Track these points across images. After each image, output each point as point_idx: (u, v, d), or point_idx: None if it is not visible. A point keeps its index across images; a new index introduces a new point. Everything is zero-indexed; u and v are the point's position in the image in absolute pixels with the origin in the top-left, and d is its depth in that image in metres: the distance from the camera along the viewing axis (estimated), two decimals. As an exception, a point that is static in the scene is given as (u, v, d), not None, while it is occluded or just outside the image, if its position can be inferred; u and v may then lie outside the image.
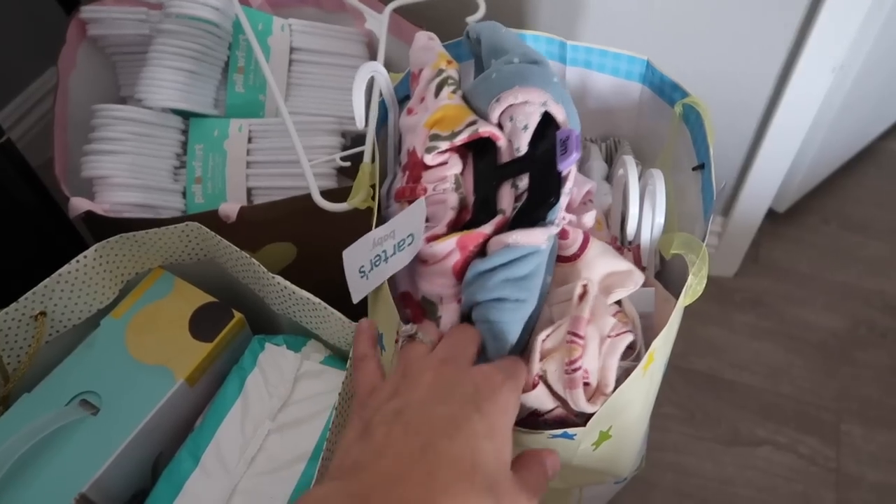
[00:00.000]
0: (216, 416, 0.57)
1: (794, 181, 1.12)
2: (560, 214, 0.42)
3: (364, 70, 0.50)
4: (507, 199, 0.44)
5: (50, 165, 0.71)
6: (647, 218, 0.48)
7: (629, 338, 0.41)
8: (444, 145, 0.46)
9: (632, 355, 0.43)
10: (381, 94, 0.57)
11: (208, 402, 0.58)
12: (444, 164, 0.46)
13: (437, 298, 0.43)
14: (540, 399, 0.41)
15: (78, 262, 0.58)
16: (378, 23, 0.78)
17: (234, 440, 0.55)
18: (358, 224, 0.53)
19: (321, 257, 0.71)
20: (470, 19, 0.75)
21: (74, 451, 0.53)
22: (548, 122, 0.44)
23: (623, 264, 0.44)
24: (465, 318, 0.43)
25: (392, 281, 0.46)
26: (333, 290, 0.62)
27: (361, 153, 0.59)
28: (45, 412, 0.54)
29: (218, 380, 0.60)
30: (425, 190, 0.46)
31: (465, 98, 0.49)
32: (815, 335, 1.05)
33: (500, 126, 0.46)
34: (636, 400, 0.43)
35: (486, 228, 0.42)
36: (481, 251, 0.42)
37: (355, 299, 0.47)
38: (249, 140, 0.77)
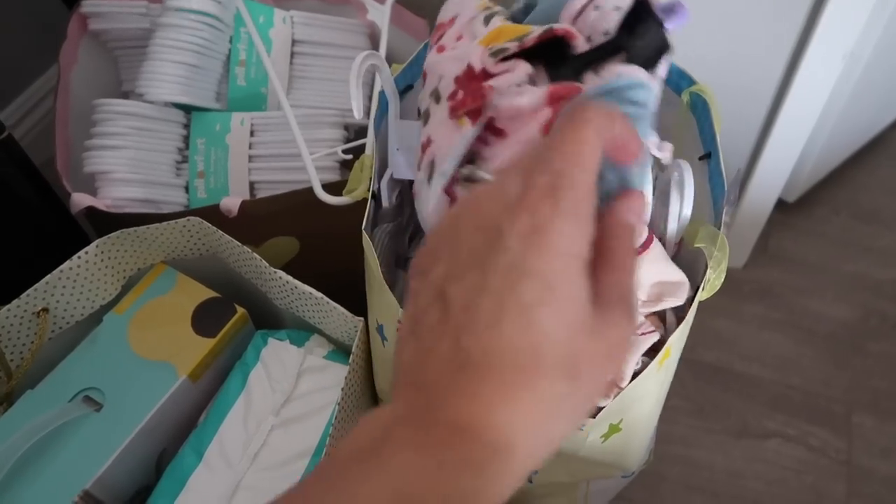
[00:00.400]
0: (219, 411, 0.56)
1: (803, 171, 1.11)
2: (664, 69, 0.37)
3: (361, 60, 0.49)
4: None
5: (53, 162, 0.71)
6: (674, 210, 0.46)
7: (654, 338, 0.40)
8: (513, 46, 0.40)
9: (657, 356, 0.42)
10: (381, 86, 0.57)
11: (211, 398, 0.58)
12: (508, 72, 0.40)
13: None
14: None
15: (79, 258, 0.58)
16: (380, 14, 0.77)
17: (238, 436, 0.55)
18: (362, 217, 0.53)
19: (324, 251, 0.71)
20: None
21: (78, 448, 0.53)
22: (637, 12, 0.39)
23: (676, 274, 0.43)
24: None
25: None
26: (336, 285, 0.61)
27: (363, 146, 0.59)
28: (48, 409, 0.53)
29: (221, 375, 0.59)
30: (492, 89, 0.40)
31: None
32: (826, 326, 1.03)
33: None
34: (650, 394, 0.42)
35: (578, 84, 0.37)
36: None
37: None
38: (251, 133, 0.76)
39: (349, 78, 0.50)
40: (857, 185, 1.21)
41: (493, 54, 0.40)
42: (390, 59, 0.74)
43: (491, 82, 0.40)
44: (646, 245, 0.43)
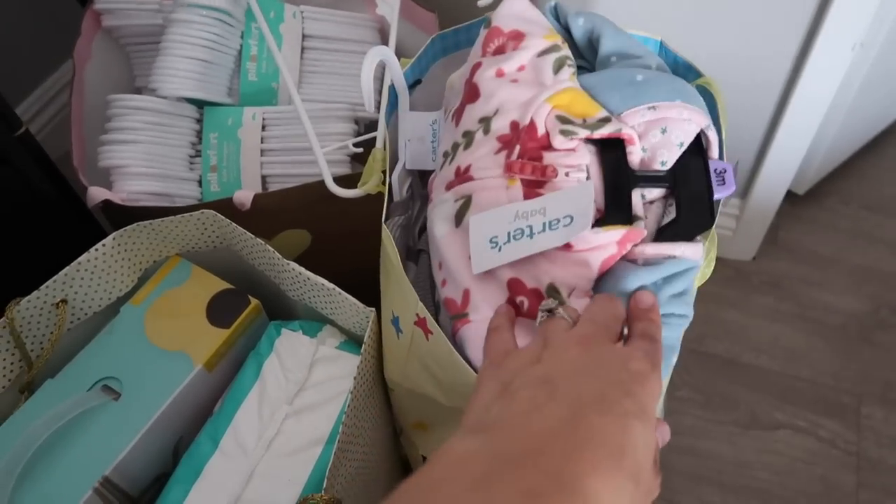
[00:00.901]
0: (234, 400, 0.57)
1: (813, 162, 1.11)
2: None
3: (372, 55, 0.50)
4: (639, 206, 0.43)
5: (69, 156, 0.72)
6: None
7: None
8: (582, 133, 0.44)
9: None
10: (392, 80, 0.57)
11: (226, 387, 0.59)
12: (572, 150, 0.44)
13: (569, 289, 0.41)
14: None
15: (97, 250, 0.59)
16: (389, 8, 0.78)
17: (252, 424, 0.56)
18: (372, 210, 0.53)
19: (336, 243, 0.72)
20: (481, 3, 0.75)
21: (97, 435, 0.54)
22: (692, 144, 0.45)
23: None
24: None
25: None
26: (348, 276, 0.62)
27: (374, 139, 0.60)
28: (68, 397, 0.54)
29: (235, 365, 0.60)
30: (555, 172, 0.44)
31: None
32: (835, 318, 1.04)
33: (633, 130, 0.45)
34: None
35: (643, 229, 0.41)
36: (625, 255, 0.42)
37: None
38: (263, 128, 0.77)
39: (360, 73, 0.51)
40: (867, 176, 1.21)
41: (563, 133, 0.44)
42: (399, 53, 0.75)
43: (552, 159, 0.44)
44: None
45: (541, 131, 0.45)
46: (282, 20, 0.81)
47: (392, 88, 0.58)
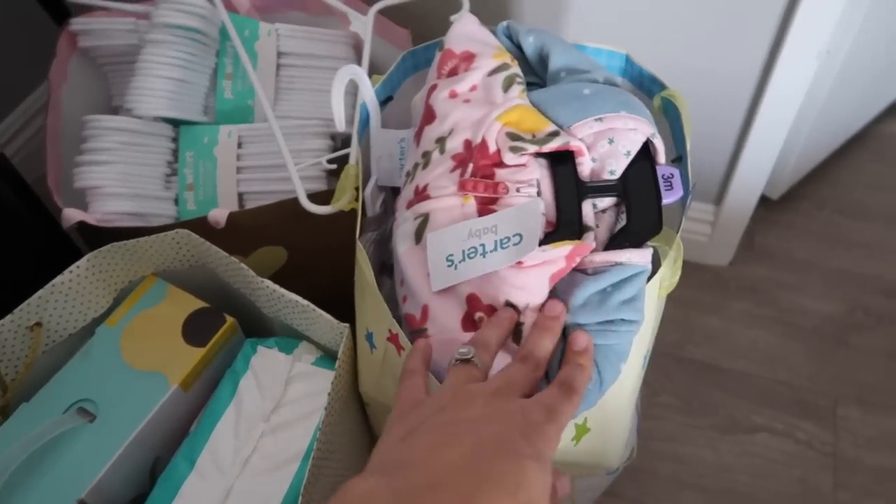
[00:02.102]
0: (210, 419, 0.57)
1: (786, 168, 1.12)
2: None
3: (342, 74, 0.51)
4: (590, 216, 0.45)
5: (45, 178, 0.72)
6: None
7: None
8: (531, 149, 0.45)
9: None
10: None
11: (203, 406, 0.59)
12: (523, 166, 0.46)
13: (523, 306, 0.43)
14: None
15: (71, 272, 0.59)
16: (363, 25, 0.78)
17: (229, 442, 0.56)
18: (348, 224, 0.54)
19: (312, 259, 0.73)
20: (454, 18, 0.76)
21: (73, 458, 0.54)
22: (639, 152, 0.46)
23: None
24: None
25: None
26: (325, 291, 0.63)
27: (348, 156, 0.60)
28: (43, 421, 0.55)
29: (212, 384, 0.61)
30: (507, 189, 0.45)
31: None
32: (812, 321, 1.05)
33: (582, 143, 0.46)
34: (610, 393, 0.44)
35: (591, 242, 0.42)
36: (576, 266, 0.43)
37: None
38: (239, 145, 0.77)
39: (331, 91, 0.51)
40: (840, 180, 1.23)
41: (513, 150, 0.45)
42: (374, 69, 0.76)
43: (500, 176, 0.45)
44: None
45: (492, 149, 0.46)
46: (257, 38, 0.82)
47: (364, 105, 0.58)
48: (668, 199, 0.44)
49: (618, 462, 0.54)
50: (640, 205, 0.44)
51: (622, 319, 0.41)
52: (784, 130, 0.90)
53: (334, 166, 0.73)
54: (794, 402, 0.97)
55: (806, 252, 1.13)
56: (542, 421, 0.34)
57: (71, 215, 0.68)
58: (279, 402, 0.58)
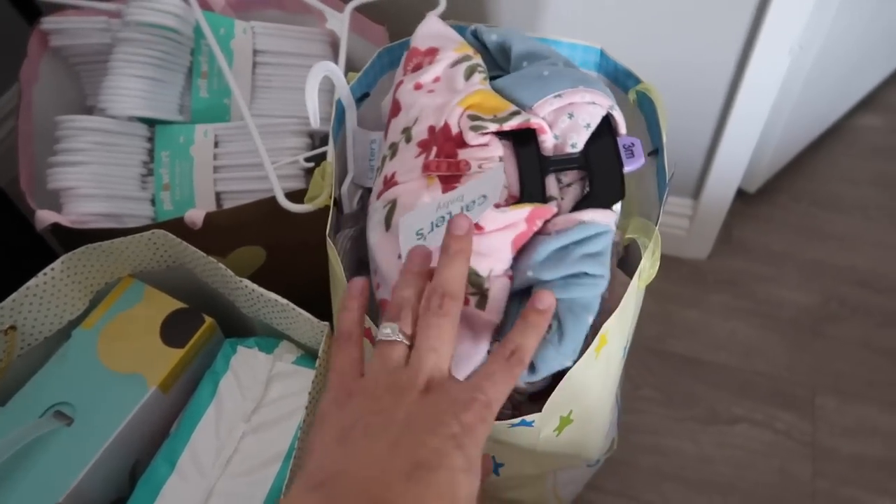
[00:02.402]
0: (190, 421, 0.57)
1: (762, 161, 1.14)
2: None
3: (316, 71, 0.50)
4: (554, 188, 0.45)
5: (18, 180, 0.71)
6: None
7: None
8: (492, 127, 0.46)
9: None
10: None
11: (182, 408, 0.59)
12: (485, 145, 0.46)
13: (487, 271, 0.43)
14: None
15: (45, 274, 0.58)
16: (339, 22, 0.78)
17: (210, 443, 0.56)
18: (326, 224, 0.54)
19: (291, 257, 0.72)
20: (431, 14, 0.76)
21: (50, 462, 0.53)
22: (600, 125, 0.47)
23: None
24: (518, 294, 0.43)
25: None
26: (305, 288, 0.63)
27: (325, 154, 0.60)
28: (19, 425, 0.54)
29: (191, 385, 0.60)
30: (469, 165, 0.46)
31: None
32: (788, 312, 1.06)
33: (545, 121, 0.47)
34: (593, 383, 0.44)
35: (553, 207, 0.43)
36: (539, 231, 0.43)
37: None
38: (216, 145, 0.77)
39: (317, 88, 0.51)
40: (815, 173, 1.25)
41: (474, 128, 0.46)
42: (351, 67, 0.75)
43: (466, 155, 0.45)
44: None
45: (454, 131, 0.47)
46: (232, 36, 0.81)
47: (339, 102, 0.58)
48: (629, 166, 0.45)
49: (598, 454, 0.55)
50: (602, 173, 0.45)
51: (585, 273, 0.41)
52: (760, 123, 0.91)
53: (312, 164, 0.72)
54: (773, 393, 0.98)
55: (782, 244, 1.15)
56: (477, 422, 0.34)
57: (44, 217, 0.67)
58: (260, 402, 0.58)
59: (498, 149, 0.46)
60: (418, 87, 0.51)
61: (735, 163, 0.97)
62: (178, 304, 0.61)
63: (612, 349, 0.44)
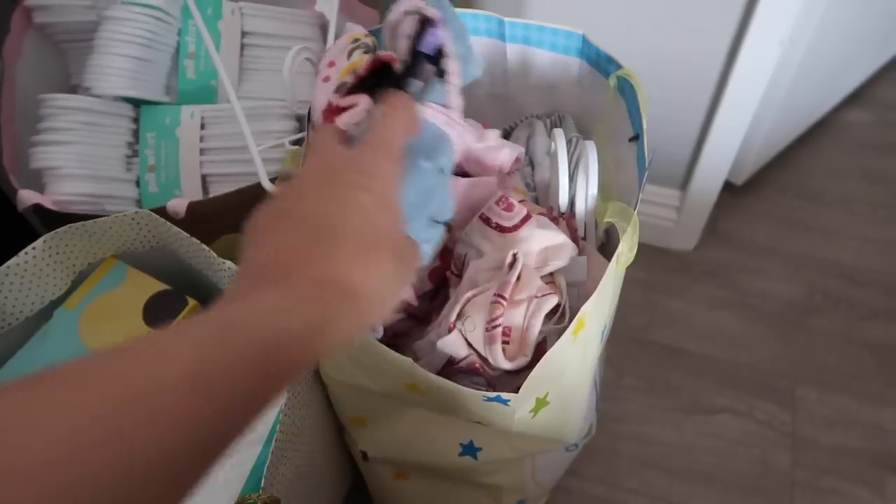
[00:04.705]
0: (172, 401, 0.57)
1: (750, 154, 1.14)
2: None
3: (294, 52, 0.50)
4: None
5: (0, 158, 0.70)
6: (581, 189, 0.49)
7: (554, 299, 0.42)
8: (351, 78, 0.47)
9: (555, 317, 0.44)
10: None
11: (164, 389, 0.59)
12: (354, 105, 0.47)
13: None
14: (454, 345, 0.42)
15: (27, 253, 0.57)
16: (329, 4, 0.77)
17: (190, 425, 0.56)
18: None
19: (276, 242, 0.72)
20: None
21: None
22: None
23: (558, 237, 0.45)
24: None
25: None
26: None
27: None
28: (-3, 404, 0.53)
29: (173, 366, 0.60)
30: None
31: None
32: (772, 304, 1.07)
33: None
34: (570, 365, 0.44)
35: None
36: None
37: None
38: (202, 126, 0.76)
39: (305, 71, 0.51)
40: (802, 167, 1.25)
41: (337, 90, 0.47)
42: (339, 51, 0.75)
43: (342, 121, 0.46)
44: (523, 222, 0.47)
45: (334, 104, 0.48)
46: (220, 17, 0.80)
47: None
48: (420, 45, 0.47)
49: (576, 437, 0.55)
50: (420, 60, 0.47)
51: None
52: (748, 115, 0.91)
53: (297, 147, 0.72)
54: (755, 384, 0.99)
55: (767, 237, 1.16)
56: (380, 161, 0.35)
57: (26, 197, 0.66)
58: (241, 383, 0.58)
59: (367, 102, 0.46)
60: (326, 80, 0.52)
61: (723, 155, 0.97)
62: (161, 286, 0.61)
63: (590, 332, 0.44)
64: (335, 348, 0.29)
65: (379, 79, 0.48)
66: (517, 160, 0.52)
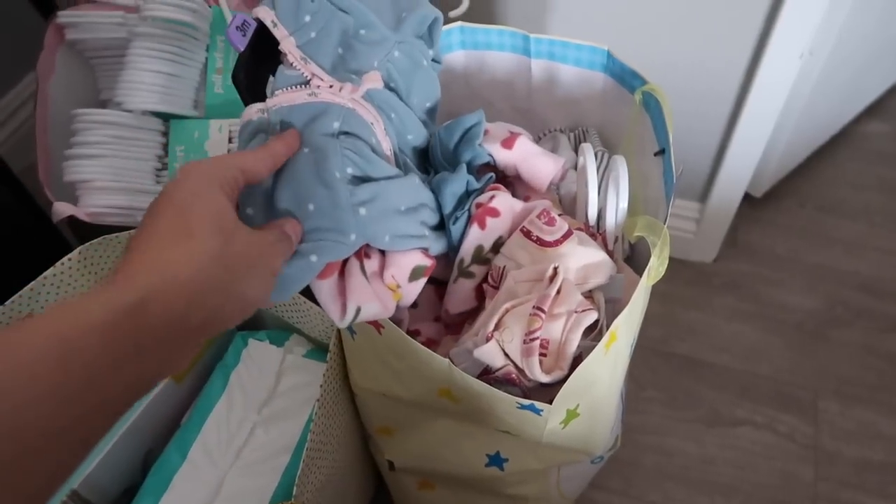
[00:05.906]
0: (202, 411, 0.58)
1: (769, 166, 1.14)
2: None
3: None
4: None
5: (33, 170, 0.72)
6: (612, 203, 0.50)
7: (593, 315, 0.43)
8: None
9: (593, 334, 0.44)
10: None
11: (194, 399, 0.60)
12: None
13: None
14: (491, 355, 0.42)
15: (62, 264, 0.59)
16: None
17: (221, 434, 0.57)
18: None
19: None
20: (453, 13, 0.76)
21: (64, 449, 0.54)
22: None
23: (598, 255, 0.46)
24: None
25: None
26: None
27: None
28: (34, 412, 0.55)
29: (204, 376, 0.61)
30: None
31: None
32: (793, 316, 1.07)
33: None
34: (601, 378, 0.45)
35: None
36: None
37: None
38: (230, 140, 0.78)
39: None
40: (821, 178, 1.25)
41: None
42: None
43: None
44: (565, 237, 0.47)
45: None
46: (246, 33, 0.82)
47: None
48: (239, 45, 0.47)
49: (603, 449, 0.55)
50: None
51: None
52: (769, 127, 0.91)
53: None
54: (776, 396, 0.99)
55: (787, 249, 1.16)
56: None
57: (61, 209, 0.68)
58: (271, 394, 0.59)
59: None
60: None
61: (743, 166, 0.98)
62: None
63: (621, 345, 0.45)
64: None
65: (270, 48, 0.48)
66: (565, 170, 0.52)
